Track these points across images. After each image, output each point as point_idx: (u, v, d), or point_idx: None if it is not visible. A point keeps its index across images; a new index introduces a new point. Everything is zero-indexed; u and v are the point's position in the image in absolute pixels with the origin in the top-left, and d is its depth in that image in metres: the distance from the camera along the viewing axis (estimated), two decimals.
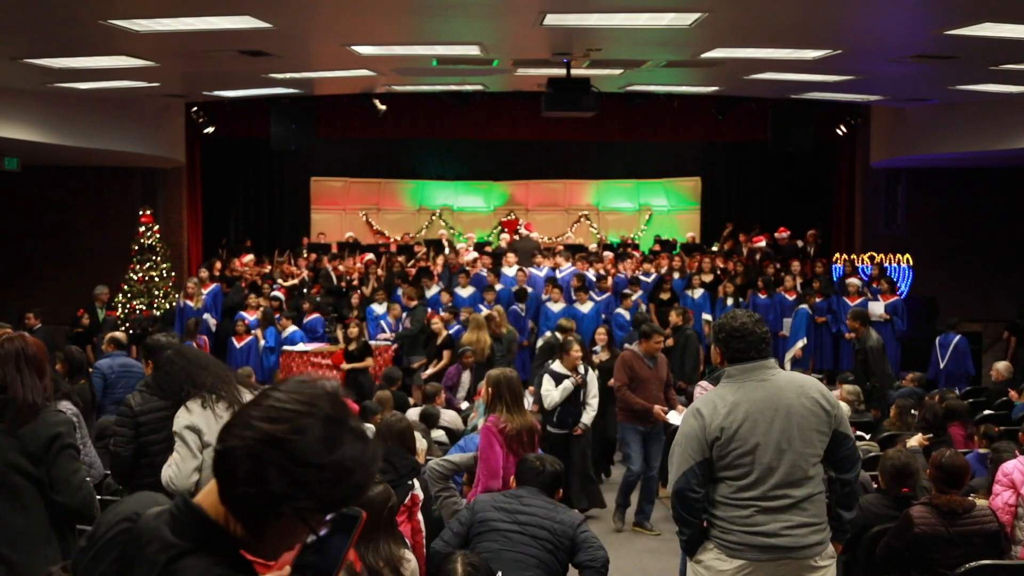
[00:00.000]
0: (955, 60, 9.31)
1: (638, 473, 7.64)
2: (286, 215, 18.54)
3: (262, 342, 12.24)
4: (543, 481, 4.25)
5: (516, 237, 17.43)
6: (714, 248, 16.59)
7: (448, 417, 8.10)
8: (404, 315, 12.49)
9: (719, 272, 14.38)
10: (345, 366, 11.07)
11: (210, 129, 14.90)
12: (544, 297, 13.14)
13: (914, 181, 15.85)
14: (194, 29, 7.98)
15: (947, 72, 10.21)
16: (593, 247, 16.98)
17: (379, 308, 12.95)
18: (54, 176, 14.84)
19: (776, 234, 15.85)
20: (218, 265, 14.72)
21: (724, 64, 10.34)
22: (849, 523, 3.95)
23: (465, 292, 13.52)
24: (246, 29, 8.04)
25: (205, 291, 13.16)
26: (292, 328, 12.34)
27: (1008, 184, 15.21)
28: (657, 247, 17.02)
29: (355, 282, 14.54)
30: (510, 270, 14.10)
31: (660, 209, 19.22)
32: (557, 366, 7.78)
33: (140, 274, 13.51)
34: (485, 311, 11.96)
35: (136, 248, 13.66)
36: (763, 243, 15.64)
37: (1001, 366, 9.80)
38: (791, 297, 13.34)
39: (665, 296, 13.41)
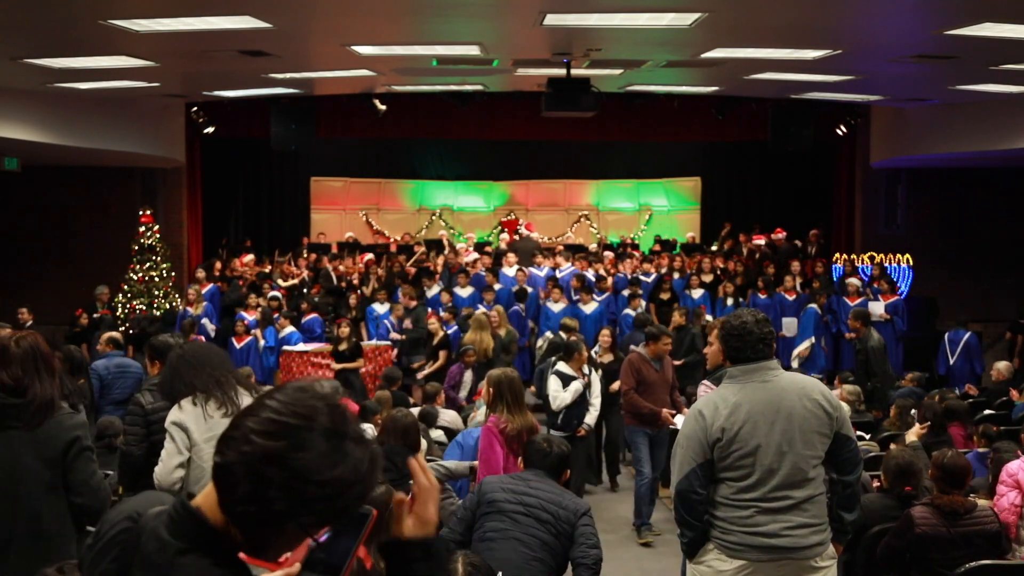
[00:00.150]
0: (955, 60, 9.31)
1: (649, 477, 7.55)
2: (286, 215, 18.53)
3: (262, 342, 12.24)
4: (550, 463, 4.25)
5: (516, 237, 17.43)
6: (714, 248, 16.59)
7: (448, 417, 8.10)
8: (404, 315, 12.49)
9: (719, 272, 14.38)
10: (335, 366, 11.06)
11: (210, 129, 14.90)
12: (545, 297, 13.15)
13: (914, 181, 15.85)
14: (194, 29, 7.98)
15: (947, 72, 10.21)
16: (593, 247, 16.98)
17: (380, 308, 12.95)
18: (54, 176, 14.84)
19: (773, 235, 15.85)
20: (218, 265, 14.73)
21: (724, 64, 10.34)
22: (850, 525, 3.96)
23: (465, 292, 13.52)
24: (246, 29, 8.04)
25: (202, 291, 13.16)
26: (290, 328, 12.35)
27: (1008, 184, 15.21)
28: (657, 247, 17.02)
29: (355, 282, 14.54)
30: (510, 270, 14.10)
31: (660, 209, 19.22)
32: (563, 367, 7.76)
33: (140, 274, 13.51)
34: (481, 310, 11.98)
35: (136, 248, 13.66)
36: (762, 242, 15.64)
37: (1002, 366, 9.80)
38: (791, 297, 13.34)
39: (665, 296, 13.41)
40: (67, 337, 11.94)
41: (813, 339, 12.41)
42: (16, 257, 15.08)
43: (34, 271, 15.01)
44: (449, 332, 11.86)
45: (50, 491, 3.44)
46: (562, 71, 10.73)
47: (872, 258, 14.92)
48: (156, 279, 13.55)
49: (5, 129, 11.15)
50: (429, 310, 12.49)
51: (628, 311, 12.66)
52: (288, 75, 11.33)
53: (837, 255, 15.42)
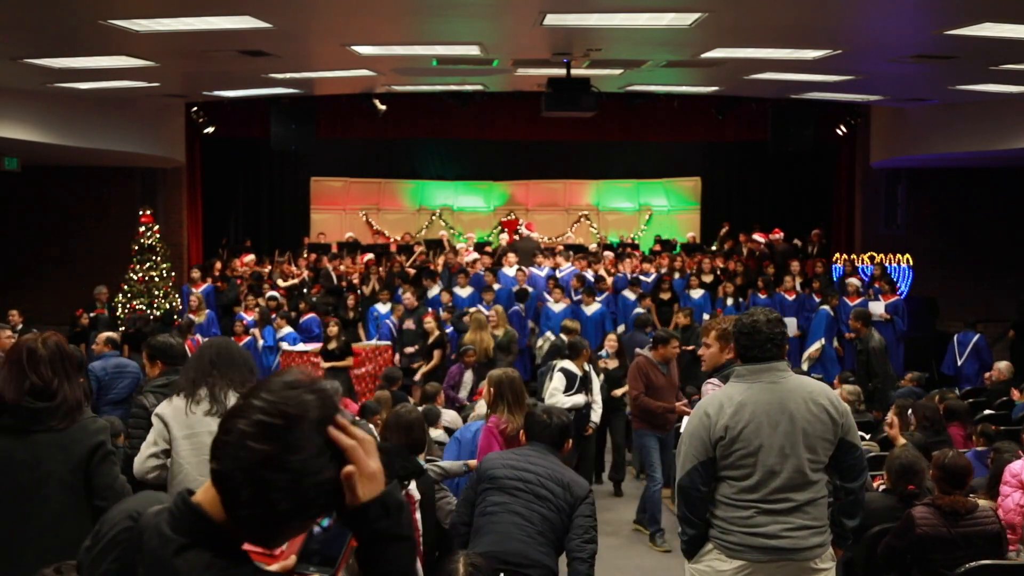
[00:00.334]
0: (955, 60, 9.32)
1: (661, 483, 7.45)
2: (286, 215, 18.54)
3: (261, 342, 12.24)
4: (551, 434, 4.24)
5: (516, 237, 17.44)
6: (714, 248, 16.60)
7: (448, 417, 8.10)
8: (404, 315, 12.49)
9: (719, 272, 14.39)
10: (324, 365, 11.08)
11: (210, 129, 14.90)
12: (545, 297, 13.16)
13: (914, 181, 15.85)
14: (194, 29, 7.98)
15: (947, 72, 10.21)
16: (593, 247, 16.98)
17: (383, 308, 12.97)
18: (54, 176, 14.85)
19: (771, 235, 15.86)
20: (218, 265, 14.73)
21: (724, 64, 10.34)
22: (851, 531, 3.93)
23: (464, 292, 13.53)
24: (246, 29, 8.04)
25: (197, 290, 13.14)
26: (287, 328, 12.35)
27: (1008, 184, 15.22)
28: (657, 247, 17.03)
29: (355, 281, 14.55)
30: (510, 270, 14.10)
31: (660, 209, 19.23)
32: (569, 364, 7.75)
33: (140, 274, 13.50)
34: (476, 309, 12.00)
35: (136, 248, 13.65)
36: (763, 241, 15.64)
37: (1002, 366, 9.79)
38: (791, 297, 13.34)
39: (665, 296, 13.42)
40: (67, 337, 11.90)
41: (823, 340, 12.36)
42: (16, 257, 15.08)
43: (34, 271, 15.02)
44: (447, 332, 11.87)
45: (72, 495, 3.40)
46: (562, 71, 10.73)
47: (872, 258, 14.92)
48: (156, 279, 13.54)
49: (5, 129, 11.15)
50: (430, 309, 12.49)
51: (640, 311, 12.67)
52: (288, 75, 11.33)
53: (837, 255, 15.42)
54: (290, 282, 14.52)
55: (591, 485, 8.24)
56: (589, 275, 13.87)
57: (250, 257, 15.31)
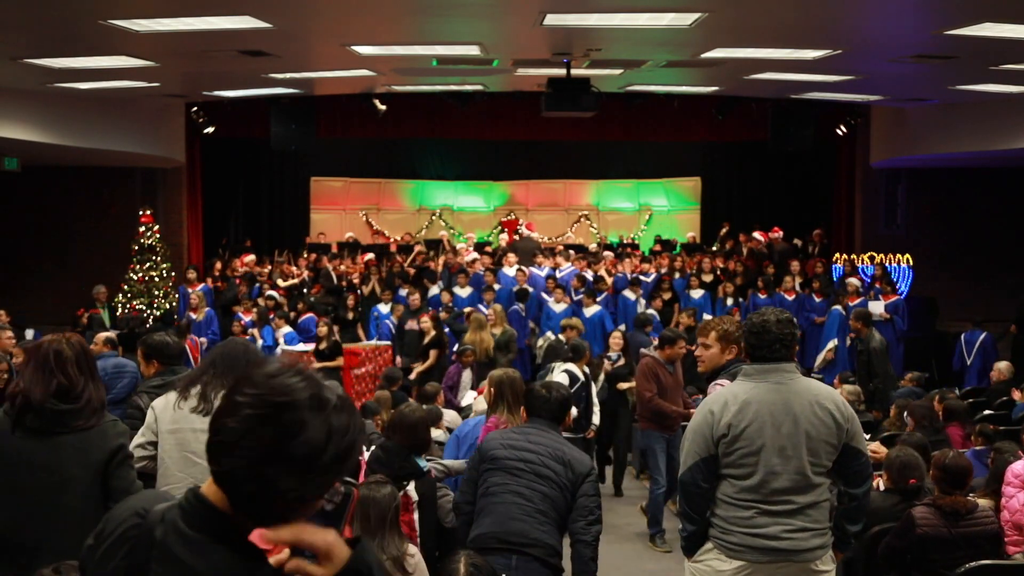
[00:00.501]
0: (955, 60, 9.32)
1: (664, 486, 7.40)
2: (286, 215, 18.53)
3: (260, 341, 12.24)
4: (551, 408, 4.23)
5: (516, 237, 17.44)
6: (714, 248, 16.60)
7: (449, 417, 8.10)
8: (404, 315, 12.49)
9: (719, 272, 14.39)
10: (315, 364, 11.08)
11: (210, 129, 14.90)
12: (546, 297, 13.16)
13: (914, 181, 15.85)
14: (194, 29, 7.98)
15: (947, 72, 10.21)
16: (593, 247, 16.98)
17: (385, 308, 12.99)
18: (54, 176, 14.84)
19: (771, 234, 15.86)
20: (218, 265, 14.73)
21: (724, 64, 10.34)
22: (853, 536, 3.91)
23: (464, 292, 13.53)
24: (246, 29, 8.04)
25: (193, 290, 13.15)
26: (286, 328, 12.34)
27: (1008, 184, 15.22)
28: (657, 247, 17.03)
29: (356, 281, 14.55)
30: (510, 270, 14.10)
31: (660, 209, 19.23)
32: (572, 367, 7.73)
33: (140, 274, 13.51)
34: (472, 309, 11.99)
35: (136, 248, 13.66)
36: (762, 240, 15.64)
37: (1002, 366, 9.79)
38: (790, 297, 13.34)
39: (666, 296, 13.42)
40: None
41: (836, 340, 12.30)
42: (16, 257, 15.08)
43: (34, 271, 15.02)
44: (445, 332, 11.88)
45: (92, 497, 3.39)
46: (562, 71, 10.73)
47: (872, 258, 14.92)
48: (156, 279, 13.54)
49: (5, 129, 11.15)
50: (430, 310, 12.49)
51: (651, 311, 12.68)
52: (288, 75, 11.33)
53: (837, 255, 15.42)
54: (290, 282, 14.52)
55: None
56: (589, 275, 13.87)
57: (250, 257, 15.30)
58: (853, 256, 14.97)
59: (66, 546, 3.27)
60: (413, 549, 3.84)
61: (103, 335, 8.59)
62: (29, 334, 11.18)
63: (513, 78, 12.31)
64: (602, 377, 8.77)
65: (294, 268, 15.16)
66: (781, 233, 15.91)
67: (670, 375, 7.45)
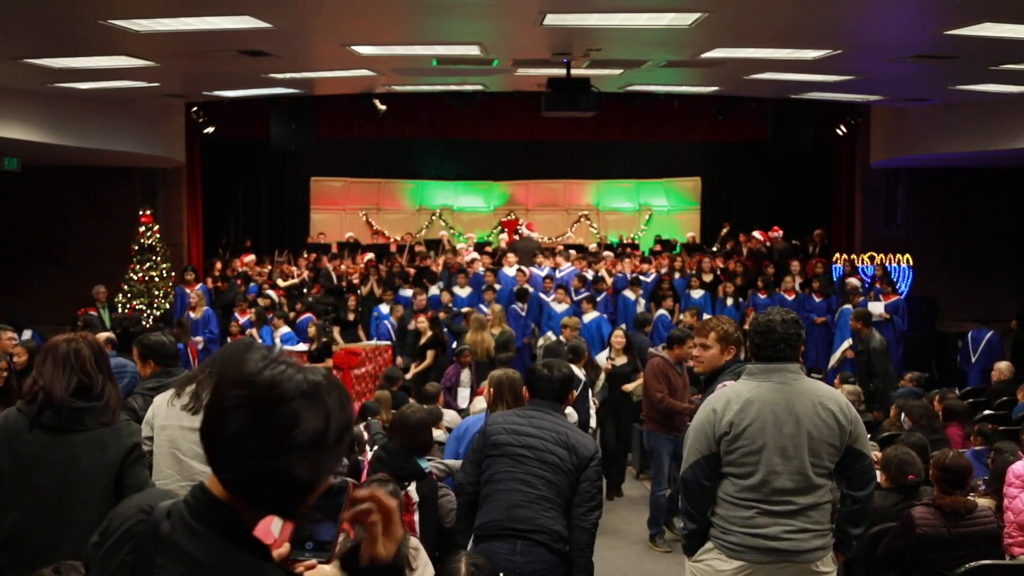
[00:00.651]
0: (955, 60, 9.32)
1: (666, 487, 7.34)
2: (286, 215, 18.55)
3: (259, 341, 12.22)
4: (554, 388, 4.22)
5: (516, 237, 17.45)
6: (714, 248, 16.60)
7: (449, 417, 8.10)
8: (403, 316, 12.49)
9: (719, 272, 14.39)
10: (305, 366, 11.04)
11: (210, 129, 14.90)
12: (548, 297, 13.17)
13: (914, 181, 15.85)
14: (194, 29, 7.98)
15: (947, 72, 10.21)
16: (593, 247, 16.99)
17: (386, 308, 12.99)
18: (54, 176, 14.84)
19: (771, 233, 15.87)
20: (218, 265, 14.72)
21: (724, 64, 10.34)
22: (855, 538, 3.90)
23: (464, 292, 13.53)
24: (246, 29, 8.04)
25: (192, 291, 13.15)
26: (284, 328, 12.34)
27: (1008, 184, 15.22)
28: (657, 247, 17.03)
29: (356, 281, 14.55)
30: (510, 270, 14.10)
31: (660, 209, 19.24)
32: (574, 369, 7.72)
33: (140, 274, 13.51)
34: (471, 310, 11.98)
35: (136, 248, 13.66)
36: (761, 240, 15.65)
37: (1003, 366, 9.78)
38: (790, 297, 13.34)
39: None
40: None
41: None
42: (16, 257, 15.07)
43: (34, 271, 15.01)
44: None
45: (105, 495, 3.38)
46: (562, 71, 10.73)
47: (872, 258, 14.92)
48: (156, 279, 13.54)
49: (5, 129, 11.15)
50: (431, 310, 12.48)
51: (663, 311, 12.70)
52: (288, 75, 11.33)
53: (837, 255, 15.42)
54: (290, 282, 14.51)
55: None
56: (589, 275, 13.88)
57: (250, 257, 15.31)
58: (853, 256, 14.97)
59: (79, 545, 3.27)
60: (416, 542, 3.86)
61: (104, 335, 8.60)
62: (27, 334, 11.16)
63: (513, 78, 12.31)
64: (603, 377, 8.75)
65: (294, 268, 15.16)
66: (781, 233, 15.92)
67: (678, 375, 7.40)
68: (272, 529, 1.75)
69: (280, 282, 14.47)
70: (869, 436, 7.56)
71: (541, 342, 12.20)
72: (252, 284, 14.11)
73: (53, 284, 14.68)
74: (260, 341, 12.15)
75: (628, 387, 8.79)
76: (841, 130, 15.45)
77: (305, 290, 14.32)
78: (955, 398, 8.13)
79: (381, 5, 7.82)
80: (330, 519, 1.67)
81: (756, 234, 15.74)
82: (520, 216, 18.85)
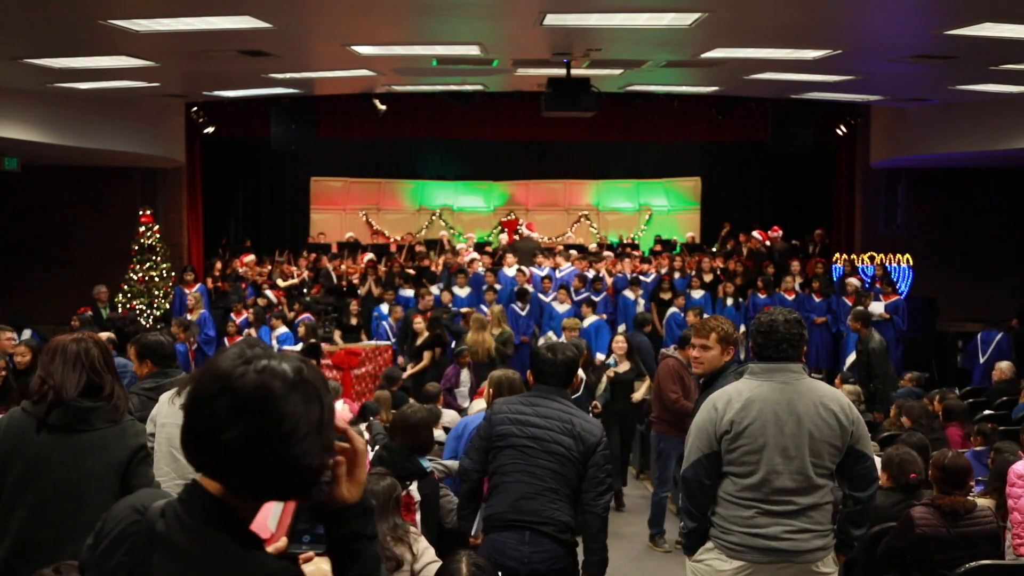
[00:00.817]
0: (955, 60, 9.32)
1: (670, 489, 7.32)
2: (286, 215, 18.54)
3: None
4: (558, 372, 4.19)
5: (516, 237, 17.44)
6: (715, 248, 16.60)
7: (448, 417, 8.10)
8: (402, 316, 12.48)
9: (719, 272, 14.39)
10: (278, 352, 11.01)
11: (210, 129, 14.89)
12: (550, 296, 13.17)
13: (914, 181, 15.85)
14: (194, 29, 7.98)
15: (947, 72, 10.21)
16: (593, 247, 16.99)
17: (387, 308, 12.99)
18: (54, 176, 14.84)
19: (770, 233, 15.86)
20: (218, 265, 14.72)
21: (724, 64, 10.34)
22: (856, 539, 3.89)
23: (463, 292, 13.53)
24: (246, 29, 8.04)
25: (190, 291, 13.14)
26: (283, 328, 12.33)
27: (1008, 184, 15.22)
28: (657, 247, 17.03)
29: (356, 281, 14.55)
30: (510, 270, 14.10)
31: (660, 209, 19.23)
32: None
33: (140, 274, 13.51)
34: (471, 310, 11.97)
35: (136, 248, 13.66)
36: (767, 241, 15.64)
37: (1004, 365, 9.78)
38: (790, 297, 13.34)
39: (666, 296, 13.42)
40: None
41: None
42: (16, 257, 15.07)
43: (34, 271, 15.01)
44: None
45: (110, 495, 3.36)
46: (562, 71, 10.73)
47: (872, 258, 14.92)
48: (156, 279, 13.54)
49: (5, 129, 11.15)
50: (428, 311, 12.47)
51: (675, 309, 12.69)
52: (288, 75, 11.33)
53: (837, 255, 15.42)
54: (290, 282, 14.51)
55: None
56: (591, 275, 13.88)
57: (250, 257, 15.30)
58: (853, 256, 14.97)
59: (84, 544, 3.28)
60: (415, 531, 3.88)
61: (104, 335, 8.59)
62: (26, 333, 11.17)
63: (513, 78, 12.31)
64: (604, 381, 8.68)
65: (294, 268, 15.15)
66: (781, 233, 15.92)
67: (689, 375, 7.32)
68: (269, 524, 1.77)
69: (280, 282, 14.47)
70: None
71: (542, 342, 12.19)
72: (249, 287, 14.09)
73: (53, 284, 14.67)
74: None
75: (637, 396, 8.70)
76: (841, 130, 15.45)
77: (305, 290, 14.32)
78: (955, 398, 8.14)
79: (381, 5, 7.82)
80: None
81: (756, 234, 15.74)
82: (520, 216, 18.85)
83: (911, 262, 14.80)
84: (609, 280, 14.10)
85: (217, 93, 13.25)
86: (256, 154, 17.18)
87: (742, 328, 12.02)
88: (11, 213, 15.00)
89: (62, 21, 7.76)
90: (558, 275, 14.10)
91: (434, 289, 13.53)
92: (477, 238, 17.77)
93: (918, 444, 5.61)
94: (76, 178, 15.00)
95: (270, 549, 1.69)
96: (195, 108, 14.51)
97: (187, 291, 13.15)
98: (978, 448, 6.40)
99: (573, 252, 15.69)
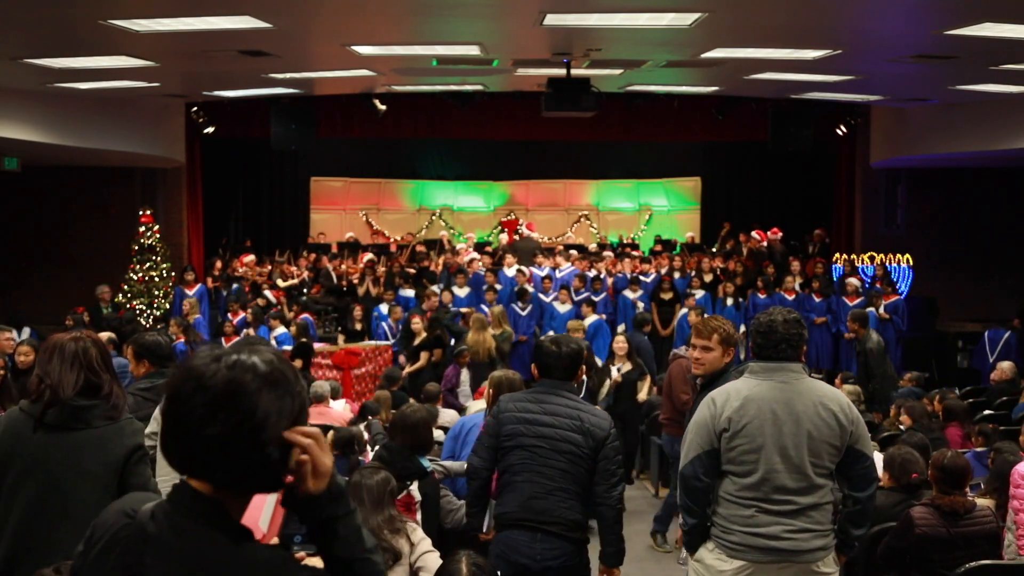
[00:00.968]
0: (955, 60, 9.32)
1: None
2: (286, 215, 18.54)
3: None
4: (563, 364, 4.18)
5: (516, 237, 17.44)
6: (715, 248, 16.60)
7: (448, 417, 8.10)
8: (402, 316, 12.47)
9: (719, 272, 14.39)
10: (247, 346, 10.99)
11: (210, 129, 14.89)
12: (551, 297, 13.16)
13: (914, 181, 15.85)
14: (194, 29, 7.98)
15: (947, 72, 10.21)
16: (593, 247, 16.99)
17: (387, 308, 13.00)
18: (54, 176, 14.84)
19: (770, 234, 15.87)
20: (218, 265, 14.72)
21: (724, 64, 10.34)
22: (856, 539, 3.89)
23: (463, 292, 13.53)
24: (246, 29, 8.04)
25: (190, 292, 13.13)
26: (281, 329, 12.33)
27: (1008, 184, 15.22)
28: (657, 247, 17.03)
29: (356, 281, 14.55)
30: (509, 271, 14.10)
31: (660, 209, 19.23)
32: None
33: (140, 274, 13.51)
34: (470, 310, 11.97)
35: (136, 248, 13.66)
36: (765, 242, 15.64)
37: (1005, 365, 9.77)
38: (791, 297, 13.34)
39: (666, 296, 13.42)
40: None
41: None
42: (16, 257, 15.08)
43: (34, 271, 15.02)
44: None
45: (107, 494, 3.35)
46: (562, 71, 10.73)
47: (872, 258, 14.92)
48: (156, 279, 13.54)
49: (5, 129, 11.15)
50: (427, 312, 12.47)
51: (685, 310, 12.67)
52: (288, 75, 11.33)
53: (837, 255, 15.42)
54: (289, 282, 14.51)
55: None
56: (591, 275, 13.87)
57: (250, 257, 15.30)
58: (853, 256, 14.97)
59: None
60: (413, 523, 3.89)
61: (105, 334, 8.60)
62: (25, 332, 11.18)
63: (513, 78, 12.31)
64: (608, 384, 8.66)
65: (294, 268, 15.15)
66: (781, 233, 15.92)
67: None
68: (260, 524, 1.78)
69: (280, 282, 14.47)
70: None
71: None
72: (235, 286, 14.08)
73: (53, 284, 14.68)
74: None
75: (642, 396, 8.69)
76: (841, 130, 15.45)
77: (305, 290, 14.31)
78: (955, 398, 8.13)
79: (381, 5, 7.82)
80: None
81: (755, 234, 15.74)
82: (520, 216, 18.85)
83: (911, 262, 14.80)
84: (609, 280, 14.10)
85: (217, 93, 13.25)
86: (256, 154, 17.18)
87: (742, 328, 12.03)
88: (11, 213, 15.01)
89: (62, 21, 7.76)
90: (558, 275, 14.10)
91: (434, 289, 13.54)
92: (477, 238, 17.76)
93: (919, 444, 5.61)
94: (76, 178, 15.01)
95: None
96: (195, 108, 14.51)
97: (188, 291, 13.15)
98: (979, 449, 6.40)
99: (573, 252, 15.68)
